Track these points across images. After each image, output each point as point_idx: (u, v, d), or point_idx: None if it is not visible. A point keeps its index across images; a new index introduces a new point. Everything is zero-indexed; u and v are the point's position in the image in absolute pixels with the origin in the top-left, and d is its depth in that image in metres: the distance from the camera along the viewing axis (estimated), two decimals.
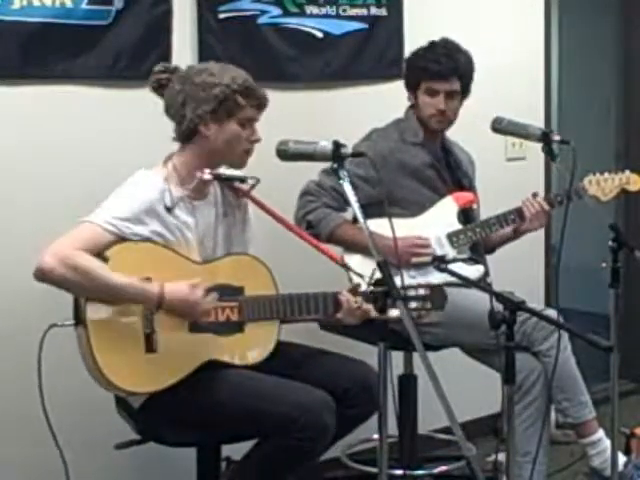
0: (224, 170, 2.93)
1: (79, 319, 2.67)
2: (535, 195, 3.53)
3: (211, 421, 2.75)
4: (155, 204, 2.75)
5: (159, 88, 2.90)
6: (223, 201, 2.95)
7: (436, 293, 2.72)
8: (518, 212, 3.51)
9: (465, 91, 3.53)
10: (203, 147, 2.84)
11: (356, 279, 3.09)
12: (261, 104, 2.87)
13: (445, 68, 3.46)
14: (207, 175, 2.84)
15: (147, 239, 2.72)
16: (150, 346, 2.69)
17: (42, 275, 2.62)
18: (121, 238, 2.69)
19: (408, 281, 3.29)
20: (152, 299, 2.67)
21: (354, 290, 2.85)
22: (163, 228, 2.76)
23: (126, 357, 2.67)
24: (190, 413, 2.74)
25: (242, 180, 2.95)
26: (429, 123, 3.54)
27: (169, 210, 2.77)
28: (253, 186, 2.95)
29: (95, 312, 2.65)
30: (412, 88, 3.56)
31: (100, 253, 2.65)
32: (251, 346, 2.86)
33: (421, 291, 2.75)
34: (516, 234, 3.58)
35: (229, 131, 2.82)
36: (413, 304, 2.71)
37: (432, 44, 3.53)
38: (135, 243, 2.71)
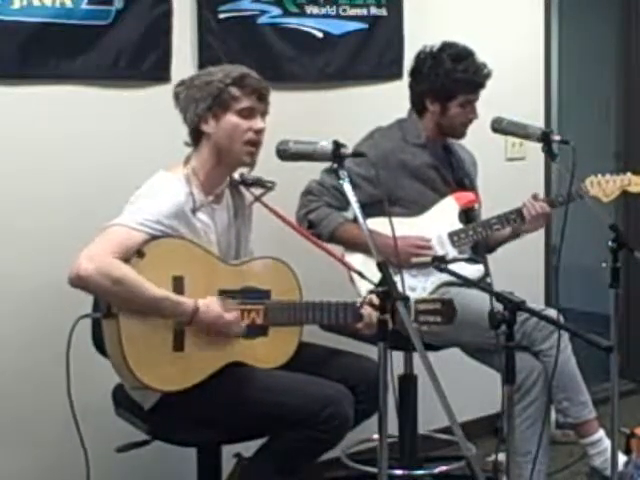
0: (246, 175, 2.97)
1: (109, 311, 2.67)
2: (536, 197, 3.52)
3: (233, 419, 2.77)
4: (183, 207, 2.77)
5: (177, 99, 2.91)
6: (234, 205, 2.97)
7: (447, 307, 2.81)
8: (519, 213, 3.50)
9: None
10: (209, 145, 2.85)
11: (357, 282, 3.12)
12: (260, 94, 2.86)
13: (485, 77, 3.49)
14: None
15: (183, 237, 2.74)
16: (178, 345, 2.70)
17: (78, 282, 2.62)
18: (153, 238, 2.69)
19: (409, 280, 3.31)
20: (186, 315, 2.68)
21: (371, 303, 2.83)
22: (189, 231, 2.78)
23: (154, 353, 2.68)
24: (212, 412, 2.74)
25: (263, 183, 2.96)
26: (457, 131, 3.55)
27: (194, 213, 2.79)
28: (265, 192, 2.97)
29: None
30: (442, 100, 3.50)
31: (139, 250, 2.65)
32: (273, 350, 2.87)
33: (432, 305, 2.80)
34: (515, 234, 3.58)
35: (227, 123, 2.82)
36: (424, 318, 2.79)
37: (459, 56, 3.47)
38: (171, 240, 2.71)
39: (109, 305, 2.67)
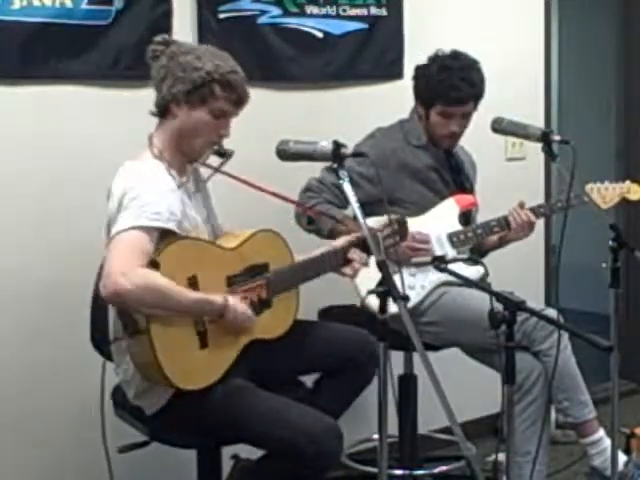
0: None
1: (135, 329, 2.61)
2: (522, 205, 3.51)
3: (232, 431, 2.75)
4: (174, 187, 2.74)
5: (153, 59, 2.83)
6: (194, 178, 2.92)
7: (402, 227, 3.05)
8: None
9: (476, 107, 3.52)
10: (172, 126, 2.79)
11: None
12: (239, 100, 2.80)
13: (465, 95, 3.44)
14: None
15: (186, 236, 2.72)
16: (203, 342, 2.70)
17: (117, 299, 2.54)
18: (165, 231, 2.65)
19: (408, 279, 3.32)
20: (219, 310, 2.68)
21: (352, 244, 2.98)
22: (186, 212, 2.76)
23: (187, 358, 2.67)
24: (212, 422, 2.73)
25: (221, 153, 2.87)
26: (439, 142, 3.54)
27: (179, 189, 2.76)
28: (224, 162, 2.88)
29: (155, 320, 2.61)
30: (424, 105, 3.50)
31: (152, 260, 2.58)
32: (278, 318, 2.91)
33: (390, 229, 3.00)
34: (501, 242, 3.58)
35: (198, 118, 2.77)
36: (387, 242, 2.97)
37: (447, 66, 3.44)
38: (178, 242, 2.67)
39: (135, 322, 2.60)
